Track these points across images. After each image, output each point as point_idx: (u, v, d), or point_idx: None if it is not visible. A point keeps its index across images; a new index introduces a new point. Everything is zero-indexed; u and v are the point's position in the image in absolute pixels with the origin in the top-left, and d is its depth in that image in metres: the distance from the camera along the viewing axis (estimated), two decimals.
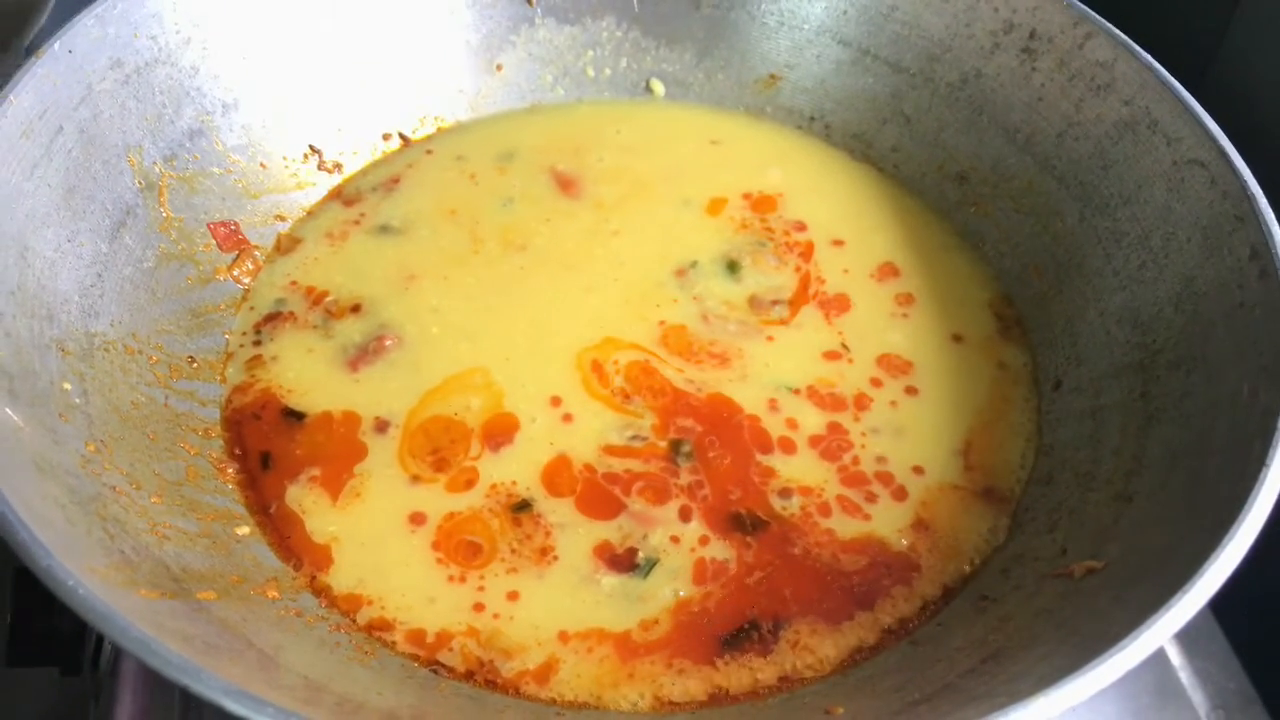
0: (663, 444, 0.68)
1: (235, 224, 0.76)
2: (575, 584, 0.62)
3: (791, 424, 0.69)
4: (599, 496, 0.65)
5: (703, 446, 0.68)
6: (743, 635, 0.60)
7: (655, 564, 0.62)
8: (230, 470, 0.66)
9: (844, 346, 0.74)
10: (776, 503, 0.65)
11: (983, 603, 0.61)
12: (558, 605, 0.61)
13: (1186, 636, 0.69)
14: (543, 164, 0.85)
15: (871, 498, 0.66)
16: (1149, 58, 0.70)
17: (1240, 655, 0.69)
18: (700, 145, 0.88)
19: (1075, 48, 0.74)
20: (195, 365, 0.70)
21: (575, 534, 0.64)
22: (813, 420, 0.70)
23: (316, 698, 0.50)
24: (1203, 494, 0.55)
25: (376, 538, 0.63)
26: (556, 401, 0.70)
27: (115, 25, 0.68)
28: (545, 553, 0.63)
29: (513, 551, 0.63)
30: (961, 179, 0.83)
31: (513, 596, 0.61)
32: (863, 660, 0.60)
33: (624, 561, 0.62)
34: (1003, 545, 0.65)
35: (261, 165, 0.79)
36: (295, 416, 0.69)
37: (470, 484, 0.66)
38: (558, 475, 0.66)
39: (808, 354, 0.74)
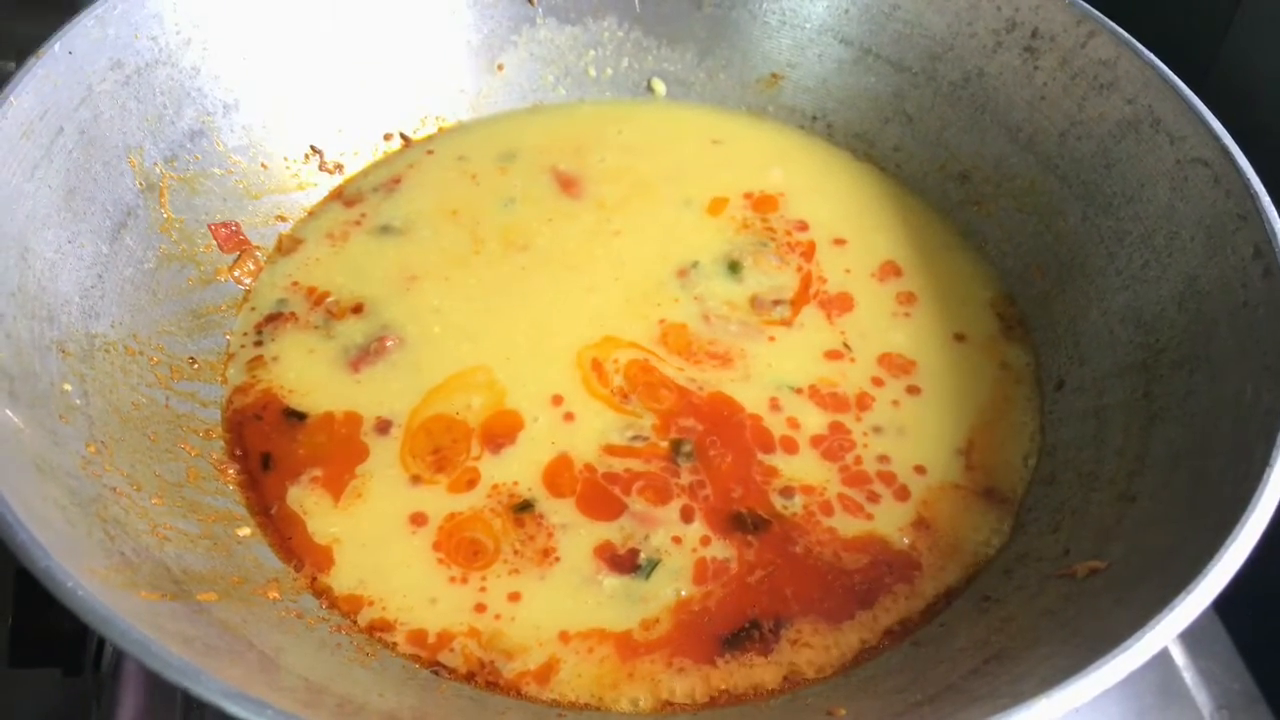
0: (664, 444, 0.68)
1: (236, 225, 0.76)
2: (577, 585, 0.62)
3: (793, 423, 0.69)
4: (600, 497, 0.65)
5: (704, 446, 0.68)
6: (744, 635, 0.60)
7: (657, 565, 0.62)
8: (231, 471, 0.66)
9: (846, 346, 0.74)
10: (778, 502, 0.65)
11: (985, 603, 0.61)
12: (559, 606, 0.61)
13: (1190, 637, 0.69)
14: (544, 164, 0.85)
15: (874, 497, 0.66)
16: (1152, 56, 0.70)
17: (1244, 655, 0.69)
18: (702, 145, 0.88)
19: (1078, 46, 0.74)
20: (196, 366, 0.70)
21: (577, 534, 0.63)
22: (815, 420, 0.69)
23: (317, 699, 0.50)
24: (1206, 494, 0.55)
25: (378, 539, 0.63)
26: (558, 400, 0.70)
27: (115, 26, 0.68)
28: (547, 554, 0.63)
29: (515, 553, 0.63)
30: (964, 178, 0.82)
31: (514, 597, 0.61)
32: (865, 661, 0.60)
33: (626, 562, 0.62)
34: (1005, 545, 0.65)
35: (262, 166, 0.79)
36: (296, 417, 0.69)
37: (472, 484, 0.66)
38: (559, 475, 0.66)
39: (809, 354, 0.73)
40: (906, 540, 0.64)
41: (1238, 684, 0.68)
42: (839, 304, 0.76)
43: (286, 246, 0.79)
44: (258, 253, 0.77)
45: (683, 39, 0.90)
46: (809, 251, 0.80)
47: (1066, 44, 0.75)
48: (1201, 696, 0.67)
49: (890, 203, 0.84)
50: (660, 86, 0.91)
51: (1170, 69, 0.69)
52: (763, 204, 0.83)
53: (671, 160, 0.86)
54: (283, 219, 0.80)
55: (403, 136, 0.86)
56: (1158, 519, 0.57)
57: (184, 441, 0.65)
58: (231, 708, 0.42)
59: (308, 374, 0.71)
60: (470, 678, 0.58)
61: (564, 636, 0.60)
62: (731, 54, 0.90)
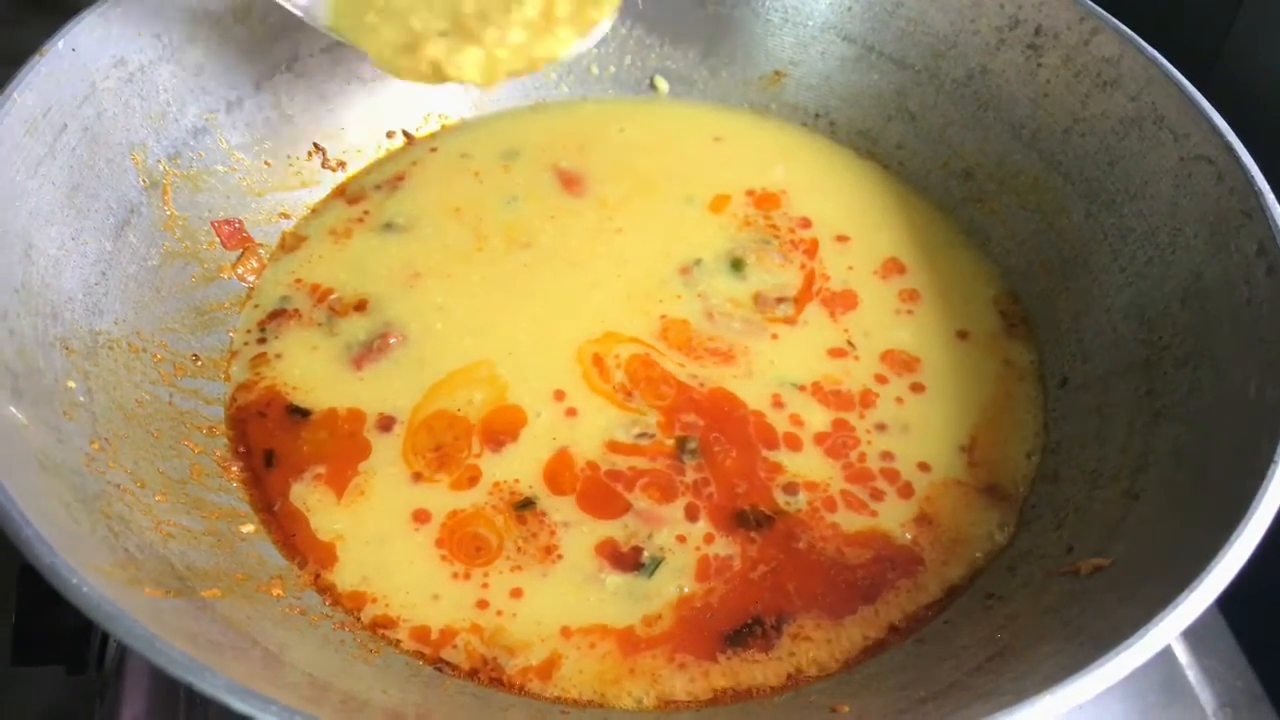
0: (669, 442, 0.68)
1: (239, 222, 0.76)
2: (579, 582, 0.62)
3: (796, 420, 0.69)
4: (602, 494, 0.65)
5: (708, 443, 0.68)
6: (746, 631, 0.60)
7: (660, 563, 0.62)
8: (235, 468, 0.66)
9: (849, 344, 0.74)
10: (781, 498, 0.65)
11: (989, 601, 0.61)
12: (561, 603, 0.61)
13: (1193, 634, 0.69)
14: (546, 162, 0.85)
15: (877, 494, 0.66)
16: (1155, 53, 0.70)
17: (1247, 653, 0.69)
18: (704, 142, 0.88)
19: (1081, 43, 0.74)
20: (199, 363, 0.70)
21: (579, 532, 0.63)
22: (818, 417, 0.69)
23: (321, 696, 0.50)
24: (1210, 491, 0.55)
25: (381, 535, 0.63)
26: (560, 395, 0.70)
27: (118, 23, 0.68)
28: (550, 551, 0.63)
29: (518, 550, 0.63)
30: (967, 175, 0.82)
31: (516, 594, 0.61)
32: (868, 658, 0.60)
33: (629, 560, 0.62)
34: (1009, 543, 0.65)
35: (265, 163, 0.79)
36: (300, 414, 0.69)
37: (473, 481, 0.66)
38: (559, 473, 0.66)
39: (813, 351, 0.73)
40: (909, 535, 0.64)
41: (1241, 682, 0.68)
42: (842, 301, 0.76)
43: (289, 244, 0.79)
44: (261, 250, 0.77)
45: (685, 37, 0.90)
46: (812, 249, 0.80)
47: (1070, 41, 0.75)
48: (1205, 694, 0.67)
49: (893, 200, 0.84)
50: (663, 84, 0.91)
51: (1173, 66, 0.69)
52: (765, 201, 0.83)
53: (674, 158, 0.86)
54: (286, 216, 0.80)
55: (405, 134, 0.86)
56: (1161, 516, 0.57)
57: (187, 438, 0.65)
58: (236, 704, 0.42)
59: (311, 371, 0.71)
60: (473, 674, 0.58)
61: (566, 632, 0.60)
62: (734, 51, 0.90)
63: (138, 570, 0.52)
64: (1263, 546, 0.49)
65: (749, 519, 0.64)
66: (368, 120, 0.85)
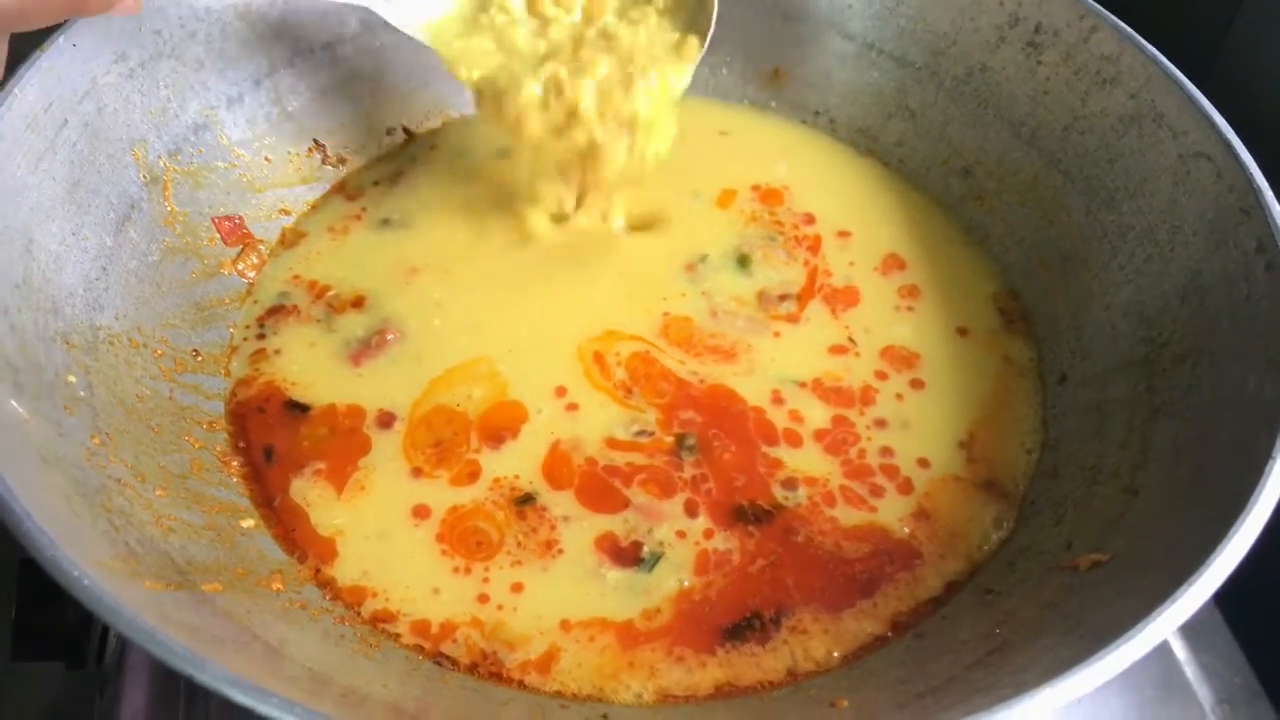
0: (668, 439, 0.68)
1: (240, 218, 0.76)
2: (579, 577, 0.62)
3: (796, 417, 0.69)
4: (600, 489, 0.65)
5: (707, 439, 0.68)
6: (744, 625, 0.60)
7: (660, 558, 0.62)
8: (235, 463, 0.66)
9: (850, 340, 0.74)
10: (780, 493, 0.65)
11: (988, 596, 0.61)
12: (561, 597, 0.61)
13: (1192, 630, 0.69)
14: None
15: (877, 490, 0.66)
16: (1155, 51, 0.70)
17: (1245, 649, 0.69)
18: (710, 137, 0.88)
19: (1081, 41, 0.74)
20: (200, 359, 0.70)
21: (579, 527, 0.64)
22: (818, 414, 0.70)
23: (322, 689, 0.50)
24: (1208, 487, 0.55)
25: (381, 531, 0.63)
26: (561, 391, 0.70)
27: (119, 19, 0.68)
28: (550, 545, 0.63)
29: (518, 544, 0.63)
30: (966, 173, 0.82)
31: (517, 588, 0.61)
32: (867, 653, 0.60)
33: (629, 556, 0.62)
34: (1008, 538, 0.65)
35: (266, 160, 0.79)
36: (299, 409, 0.69)
37: (473, 477, 0.66)
38: (557, 468, 0.66)
39: (814, 348, 0.73)
40: (907, 530, 0.64)
41: (1239, 678, 0.68)
42: (844, 298, 0.76)
43: (289, 240, 0.79)
44: (261, 246, 0.77)
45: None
46: (815, 245, 0.80)
47: (1069, 39, 0.75)
48: (1203, 690, 0.67)
49: (893, 197, 0.84)
50: None
51: (1173, 64, 0.69)
52: (769, 197, 0.83)
53: (679, 152, 0.85)
54: (286, 213, 0.80)
55: (406, 130, 0.86)
56: (1160, 512, 0.57)
57: (188, 434, 0.65)
58: (237, 696, 0.42)
59: (310, 367, 0.71)
60: (473, 669, 0.58)
61: (565, 625, 0.60)
62: (734, 49, 0.90)
63: (138, 564, 0.52)
64: (1261, 542, 0.49)
65: (747, 514, 0.64)
66: (368, 117, 0.85)
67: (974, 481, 0.67)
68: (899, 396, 0.71)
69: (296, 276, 0.76)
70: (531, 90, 0.70)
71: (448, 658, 0.59)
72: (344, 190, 0.83)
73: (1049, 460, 0.68)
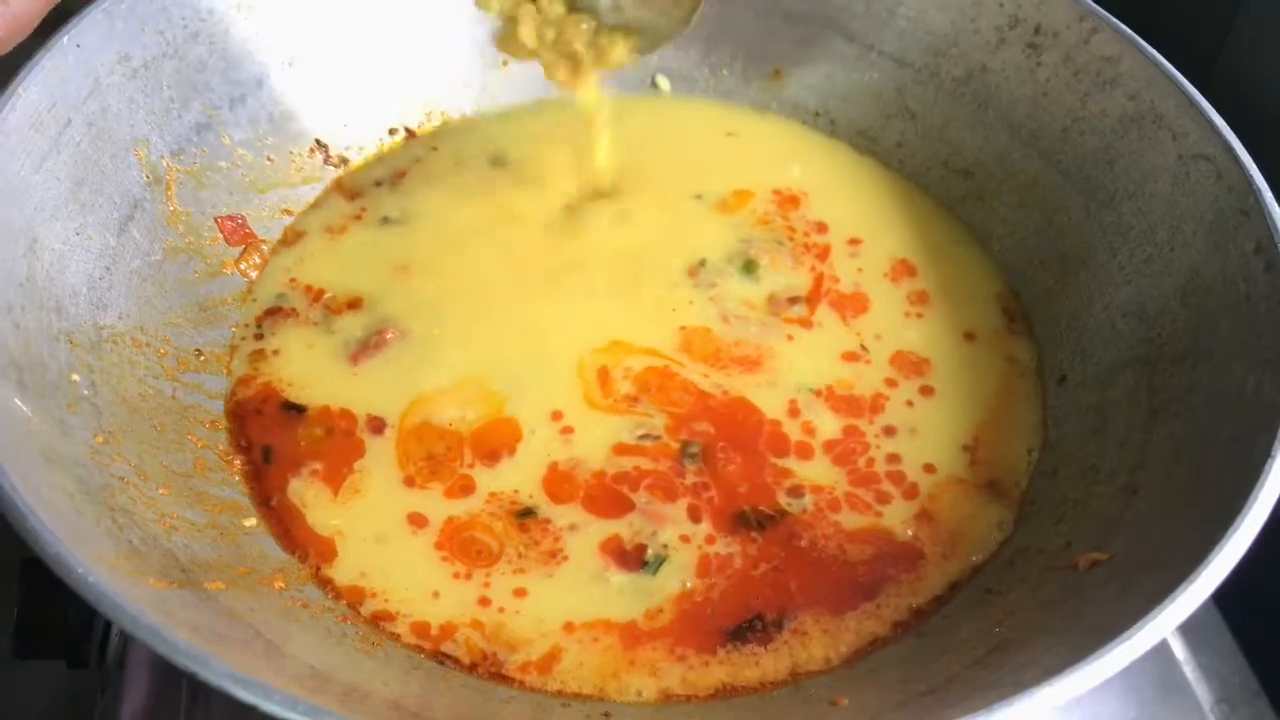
0: (674, 444, 0.67)
1: (242, 218, 0.76)
2: (585, 581, 0.62)
3: (809, 429, 0.68)
4: (607, 495, 0.65)
5: (712, 449, 0.67)
6: (746, 628, 0.60)
7: (664, 561, 0.62)
8: (237, 462, 0.66)
9: (862, 347, 0.73)
10: (784, 499, 0.65)
11: (988, 595, 0.61)
12: (566, 601, 0.61)
13: (1191, 630, 0.69)
14: (549, 159, 0.85)
15: (883, 498, 0.66)
16: (1155, 53, 0.70)
17: (1244, 649, 0.70)
18: (717, 138, 0.87)
19: (1081, 42, 0.74)
20: (202, 358, 0.70)
21: (584, 533, 0.63)
22: (830, 425, 0.69)
23: (323, 687, 0.50)
24: (1207, 487, 0.55)
25: (378, 534, 0.63)
26: (557, 416, 0.68)
27: (123, 19, 0.69)
28: (554, 555, 0.62)
29: (519, 555, 0.62)
30: (966, 174, 0.83)
31: (520, 593, 0.61)
32: (868, 653, 0.60)
33: (633, 559, 0.62)
34: (1008, 538, 0.65)
35: (268, 160, 0.79)
36: (295, 410, 0.69)
37: (467, 491, 0.65)
38: (559, 485, 0.65)
39: (828, 354, 0.73)
40: (910, 532, 0.64)
41: (1238, 677, 0.68)
42: (852, 304, 0.76)
43: (290, 239, 0.79)
44: (263, 246, 0.77)
45: (687, 36, 0.90)
46: (824, 253, 0.79)
47: (1069, 40, 0.75)
48: (1202, 690, 0.68)
49: (897, 200, 0.84)
50: (664, 83, 0.91)
51: (1173, 65, 0.69)
52: (787, 202, 0.82)
53: (682, 154, 0.85)
54: (288, 213, 0.80)
55: (408, 131, 0.87)
56: (1159, 511, 0.58)
57: (190, 432, 0.65)
58: (239, 693, 0.42)
59: (307, 368, 0.71)
60: (473, 669, 0.58)
61: (569, 628, 0.60)
62: (735, 50, 0.90)
63: (142, 562, 0.52)
64: (1259, 542, 0.49)
65: (750, 520, 0.64)
66: (370, 117, 0.85)
67: (976, 483, 0.67)
68: (909, 404, 0.70)
69: (294, 279, 0.76)
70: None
71: (448, 657, 0.59)
72: (343, 190, 0.83)
73: (1049, 460, 0.68)
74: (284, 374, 0.71)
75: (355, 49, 0.83)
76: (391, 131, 0.86)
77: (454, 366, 0.71)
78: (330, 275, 0.76)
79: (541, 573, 0.62)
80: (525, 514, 0.64)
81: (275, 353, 0.72)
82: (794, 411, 0.69)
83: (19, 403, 0.54)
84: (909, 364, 0.73)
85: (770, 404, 0.70)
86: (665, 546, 0.63)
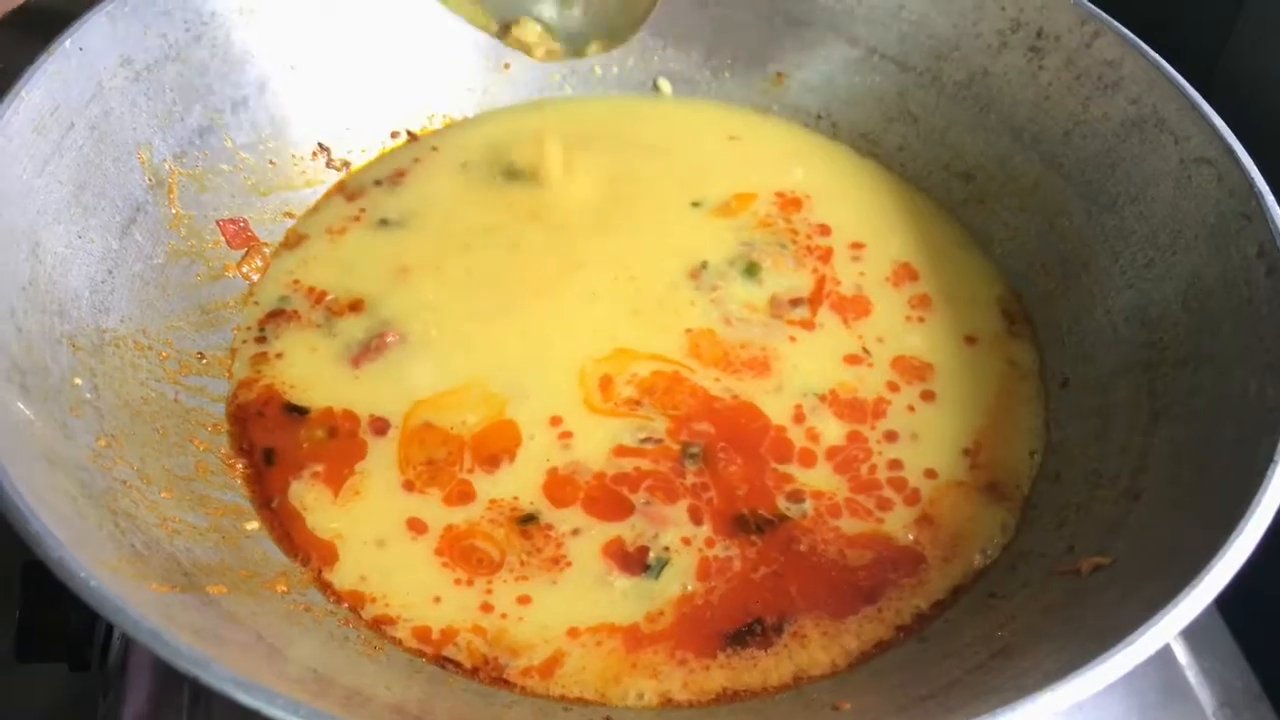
0: (675, 446, 0.67)
1: (244, 221, 0.77)
2: (589, 586, 0.61)
3: (813, 435, 0.68)
4: (608, 498, 0.65)
5: (713, 450, 0.67)
6: (746, 632, 0.60)
7: (666, 564, 0.62)
8: (239, 466, 0.66)
9: (865, 350, 0.73)
10: (784, 504, 0.65)
11: (991, 600, 0.61)
12: (570, 607, 0.61)
13: (1193, 634, 0.69)
14: (550, 160, 0.85)
15: (885, 504, 0.66)
16: (1156, 56, 0.70)
17: (1246, 653, 0.69)
18: (720, 140, 0.87)
19: (1083, 46, 0.75)
20: (205, 361, 0.70)
21: (587, 537, 0.63)
22: (834, 431, 0.69)
23: (325, 690, 0.50)
24: (1210, 491, 0.55)
25: (378, 539, 0.63)
26: (556, 421, 0.68)
27: (125, 22, 0.69)
28: (557, 561, 0.62)
29: (521, 563, 0.62)
30: (968, 177, 0.83)
31: (524, 601, 0.61)
32: (870, 657, 0.60)
33: (636, 561, 0.62)
34: (1011, 543, 0.65)
35: (270, 163, 0.79)
36: (297, 412, 0.69)
37: (466, 498, 0.65)
38: (560, 490, 0.65)
39: (831, 358, 0.73)
40: (911, 536, 0.64)
41: (1240, 682, 0.68)
42: (854, 307, 0.76)
43: (292, 242, 0.79)
44: (265, 249, 0.77)
45: (688, 38, 0.90)
46: (826, 255, 0.79)
47: (1071, 44, 0.75)
48: (1204, 694, 0.67)
49: (900, 203, 0.84)
50: (666, 85, 0.91)
51: (1174, 68, 0.69)
52: (790, 204, 0.82)
53: (692, 155, 0.85)
54: (290, 215, 0.80)
55: (409, 133, 0.87)
56: (1162, 516, 0.58)
57: (193, 436, 0.65)
58: (241, 697, 0.42)
59: (309, 370, 0.71)
60: (474, 673, 0.58)
61: (573, 633, 0.60)
62: (737, 53, 0.90)
63: (144, 566, 0.52)
64: (1262, 546, 0.49)
65: (749, 523, 0.64)
66: (372, 120, 0.85)
67: (977, 486, 0.67)
68: (910, 409, 0.70)
69: (296, 281, 0.76)
70: None
71: (450, 661, 0.59)
72: (344, 190, 0.83)
73: (1051, 464, 0.68)
74: (286, 376, 0.71)
75: (357, 52, 0.83)
76: (394, 134, 0.86)
77: (454, 370, 0.71)
78: (332, 277, 0.76)
79: (545, 579, 0.62)
80: (527, 520, 0.64)
81: (278, 356, 0.72)
82: (799, 417, 0.69)
83: (21, 406, 0.54)
84: (911, 369, 0.72)
85: (776, 409, 0.70)
86: (667, 549, 0.63)
